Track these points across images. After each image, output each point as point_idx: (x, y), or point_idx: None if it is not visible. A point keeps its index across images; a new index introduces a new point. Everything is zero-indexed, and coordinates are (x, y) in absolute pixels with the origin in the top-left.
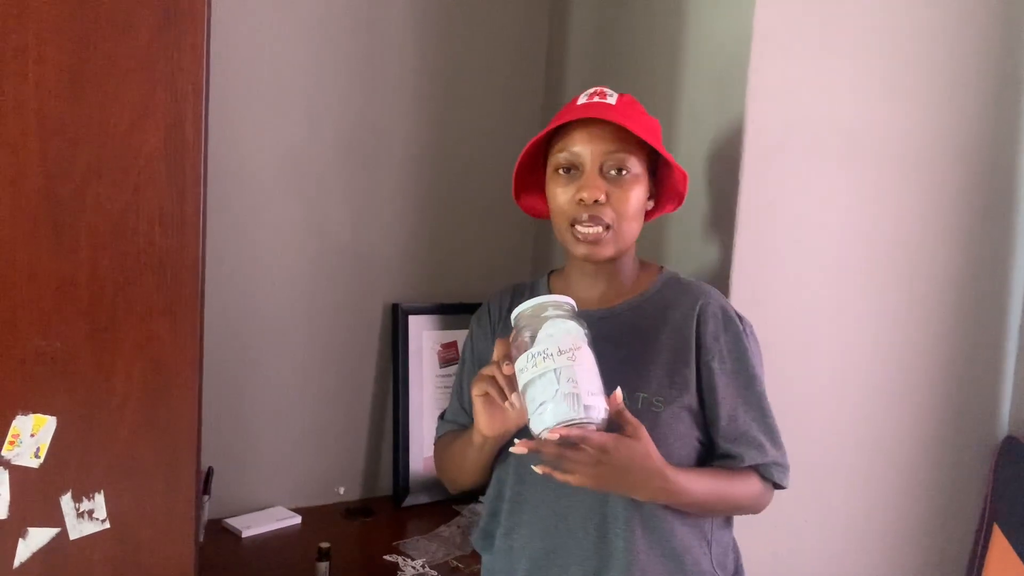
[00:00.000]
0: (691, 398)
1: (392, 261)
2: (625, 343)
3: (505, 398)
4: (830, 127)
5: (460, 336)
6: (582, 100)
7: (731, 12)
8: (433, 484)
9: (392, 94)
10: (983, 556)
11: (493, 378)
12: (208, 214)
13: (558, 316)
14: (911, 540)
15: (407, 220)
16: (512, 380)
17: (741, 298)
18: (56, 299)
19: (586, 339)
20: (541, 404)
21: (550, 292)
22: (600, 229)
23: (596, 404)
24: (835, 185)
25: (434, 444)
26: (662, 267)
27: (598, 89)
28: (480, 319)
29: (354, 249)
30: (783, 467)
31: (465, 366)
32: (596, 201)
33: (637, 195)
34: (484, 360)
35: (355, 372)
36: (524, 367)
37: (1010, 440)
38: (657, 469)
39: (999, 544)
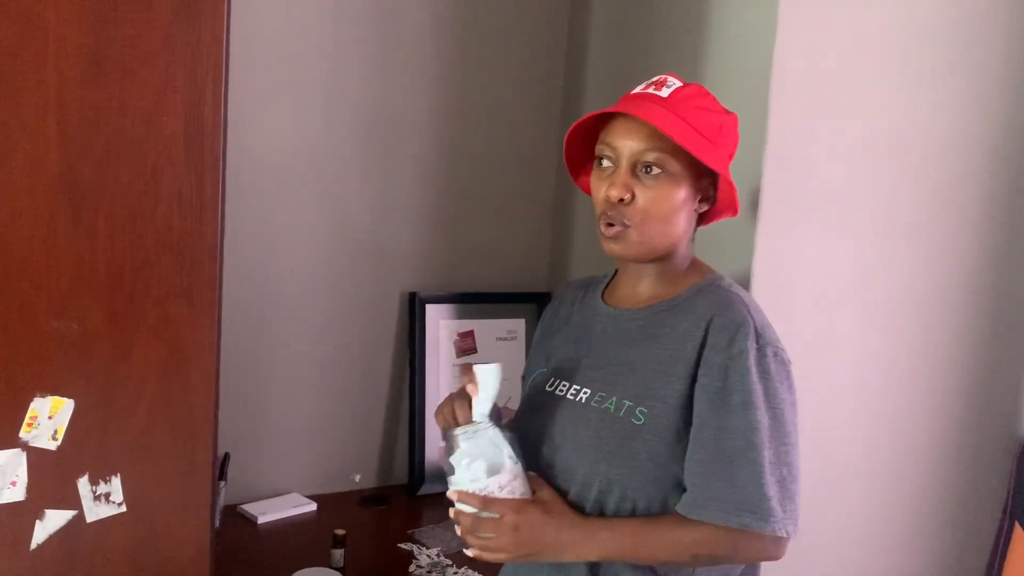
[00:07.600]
0: (677, 417)
1: (410, 250)
2: (635, 347)
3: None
4: (854, 121)
5: (477, 325)
6: (638, 89)
7: (755, 4)
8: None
9: (411, 83)
10: (1004, 554)
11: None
12: (226, 200)
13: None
14: (932, 539)
15: (425, 209)
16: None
17: (762, 297)
18: (74, 281)
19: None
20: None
21: (607, 286)
22: (618, 228)
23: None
24: (859, 180)
25: None
26: (710, 272)
27: (661, 78)
28: (550, 305)
29: (372, 237)
30: (723, 507)
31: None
32: (621, 200)
33: (667, 196)
34: (536, 341)
35: (372, 360)
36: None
37: None
38: (570, 519)
39: (1020, 543)
